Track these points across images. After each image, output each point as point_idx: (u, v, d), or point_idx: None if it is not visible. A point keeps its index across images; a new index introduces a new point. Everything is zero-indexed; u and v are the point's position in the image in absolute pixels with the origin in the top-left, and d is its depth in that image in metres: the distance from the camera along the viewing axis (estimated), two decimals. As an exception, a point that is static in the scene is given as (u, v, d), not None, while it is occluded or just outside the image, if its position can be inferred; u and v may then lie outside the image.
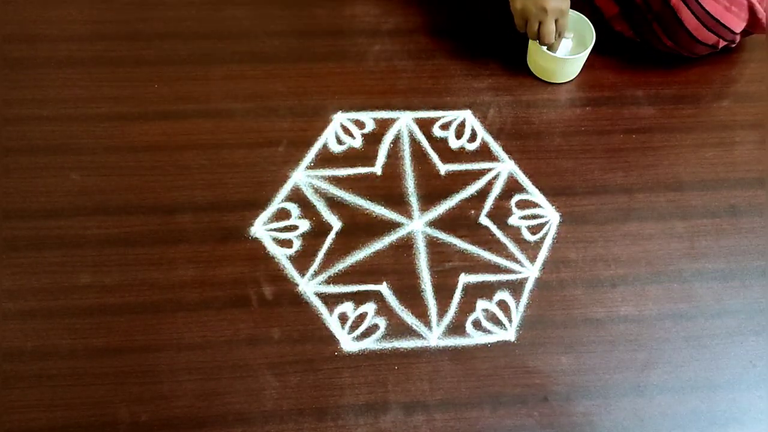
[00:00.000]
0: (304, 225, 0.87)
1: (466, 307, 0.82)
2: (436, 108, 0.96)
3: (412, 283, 0.83)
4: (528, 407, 0.77)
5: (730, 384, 0.79)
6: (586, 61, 0.97)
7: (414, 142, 0.93)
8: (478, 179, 0.91)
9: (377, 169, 0.91)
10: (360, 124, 0.94)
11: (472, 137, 0.94)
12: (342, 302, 0.82)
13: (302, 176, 0.90)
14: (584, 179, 0.91)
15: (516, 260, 0.85)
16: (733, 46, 0.97)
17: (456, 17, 1.05)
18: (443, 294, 0.83)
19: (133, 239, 0.84)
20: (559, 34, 0.92)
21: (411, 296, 0.82)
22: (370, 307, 0.82)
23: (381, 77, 0.99)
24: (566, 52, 0.96)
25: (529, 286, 0.84)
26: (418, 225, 0.87)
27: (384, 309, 0.82)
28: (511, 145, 0.93)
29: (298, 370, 0.78)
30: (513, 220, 0.88)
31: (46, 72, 0.97)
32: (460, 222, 0.87)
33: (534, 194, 0.90)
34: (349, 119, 0.95)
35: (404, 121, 0.95)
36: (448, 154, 0.92)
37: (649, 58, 0.99)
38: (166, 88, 0.96)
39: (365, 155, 0.92)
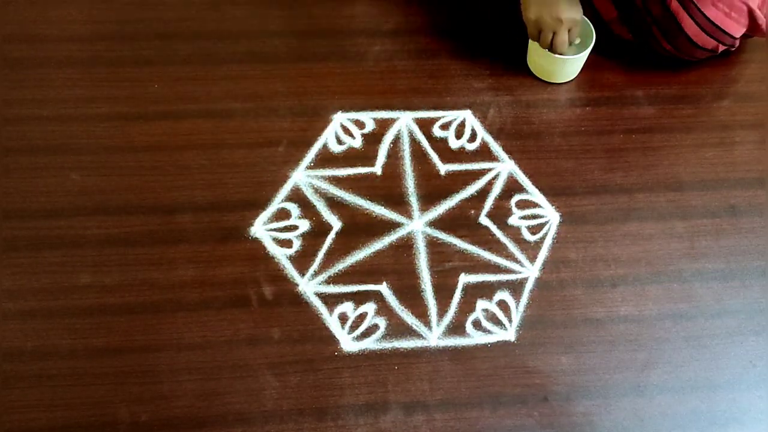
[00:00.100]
0: (304, 225, 0.87)
1: (466, 307, 0.82)
2: (436, 108, 0.96)
3: (412, 283, 0.83)
4: (528, 407, 0.77)
5: (730, 384, 0.79)
6: (586, 61, 0.97)
7: (414, 142, 0.93)
8: (478, 179, 0.91)
9: (377, 169, 0.91)
10: (360, 124, 0.94)
11: (472, 137, 0.94)
12: (342, 302, 0.82)
13: (302, 176, 0.90)
14: (584, 179, 0.91)
15: (516, 260, 0.85)
16: (733, 50, 0.97)
17: (456, 17, 1.05)
18: (443, 294, 0.83)
19: (133, 239, 0.84)
20: (571, 43, 0.92)
21: (411, 296, 0.82)
22: (370, 307, 0.82)
23: (381, 77, 0.99)
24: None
25: (529, 286, 0.84)
26: (418, 225, 0.87)
27: (384, 309, 0.82)
28: (511, 145, 0.93)
29: (298, 370, 0.78)
30: (513, 220, 0.88)
31: (46, 72, 0.97)
32: (460, 222, 0.87)
33: (534, 194, 0.90)
34: (349, 119, 0.95)
35: (404, 121, 0.95)
36: (448, 154, 0.92)
37: (649, 59, 0.99)
38: (166, 88, 0.96)
39: (365, 155, 0.92)
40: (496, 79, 0.99)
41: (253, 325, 0.80)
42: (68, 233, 0.84)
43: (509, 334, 0.81)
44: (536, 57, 0.96)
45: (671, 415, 0.77)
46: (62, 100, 0.94)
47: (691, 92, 0.99)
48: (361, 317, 0.81)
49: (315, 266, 0.84)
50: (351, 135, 0.93)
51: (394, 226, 0.87)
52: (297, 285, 0.83)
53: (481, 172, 0.91)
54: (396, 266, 0.84)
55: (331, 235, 0.86)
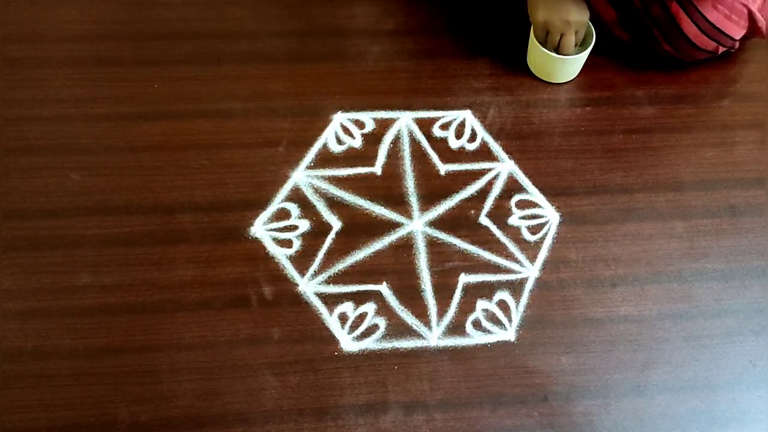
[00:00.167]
0: (304, 225, 0.87)
1: (466, 307, 0.82)
2: (436, 108, 0.96)
3: (412, 283, 0.83)
4: (528, 407, 0.77)
5: (730, 384, 0.79)
6: (586, 61, 0.97)
7: (414, 142, 0.93)
8: (478, 179, 0.91)
9: (377, 169, 0.91)
10: (360, 124, 0.94)
11: (472, 137, 0.94)
12: (342, 302, 0.82)
13: (302, 176, 0.90)
14: (584, 179, 0.91)
15: (516, 260, 0.85)
16: (733, 51, 0.97)
17: (456, 17, 1.05)
18: (443, 294, 0.83)
19: (133, 239, 0.84)
20: (577, 44, 0.92)
21: (411, 296, 0.82)
22: (370, 307, 0.82)
23: (381, 77, 0.99)
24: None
25: (529, 286, 0.84)
26: (418, 225, 0.87)
27: (384, 309, 0.82)
28: (511, 145, 0.93)
29: (298, 370, 0.78)
30: (513, 220, 0.88)
31: (46, 72, 0.97)
32: (460, 222, 0.87)
33: (534, 194, 0.90)
34: (349, 119, 0.95)
35: (404, 121, 0.95)
36: (448, 154, 0.92)
37: (649, 58, 0.99)
38: (166, 88, 0.96)
39: (365, 155, 0.92)
40: (496, 79, 0.99)
41: (253, 325, 0.80)
42: (68, 233, 0.84)
43: (509, 334, 0.81)
44: (536, 57, 0.96)
45: (671, 415, 0.77)
46: (62, 100, 0.94)
47: (691, 92, 0.99)
48: (361, 317, 0.81)
49: (315, 266, 0.84)
50: (351, 135, 0.93)
51: (394, 226, 0.87)
52: (297, 285, 0.83)
53: (481, 172, 0.91)
54: (396, 266, 0.84)
55: (331, 235, 0.86)
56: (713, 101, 0.99)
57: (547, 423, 0.76)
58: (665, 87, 0.99)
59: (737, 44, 0.95)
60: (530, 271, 0.85)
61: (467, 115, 0.96)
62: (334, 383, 0.77)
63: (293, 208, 0.88)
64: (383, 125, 0.95)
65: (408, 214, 0.88)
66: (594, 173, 0.92)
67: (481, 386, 0.77)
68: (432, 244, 0.86)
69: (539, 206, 0.89)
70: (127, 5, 1.04)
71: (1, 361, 0.77)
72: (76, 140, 0.91)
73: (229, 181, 0.89)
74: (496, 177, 0.91)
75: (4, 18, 1.01)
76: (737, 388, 0.79)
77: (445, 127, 0.95)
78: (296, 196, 0.89)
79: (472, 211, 0.88)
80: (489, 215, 0.88)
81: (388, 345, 0.80)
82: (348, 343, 0.79)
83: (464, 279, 0.84)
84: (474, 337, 0.80)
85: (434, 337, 0.80)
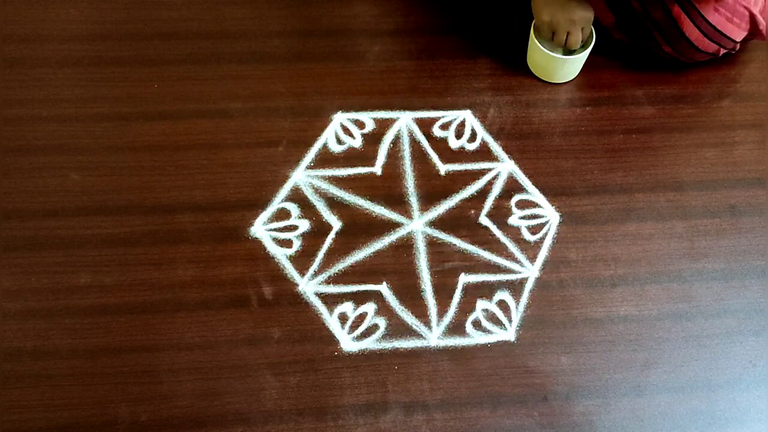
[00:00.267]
0: (304, 225, 0.87)
1: (466, 307, 0.82)
2: (436, 108, 0.96)
3: (412, 283, 0.83)
4: (528, 407, 0.77)
5: (730, 384, 0.79)
6: (586, 61, 0.97)
7: (414, 142, 0.93)
8: (478, 179, 0.91)
9: (377, 169, 0.91)
10: (360, 124, 0.94)
11: (472, 137, 0.94)
12: (342, 302, 0.82)
13: (302, 176, 0.90)
14: (584, 179, 0.91)
15: (516, 260, 0.85)
16: (734, 53, 0.97)
17: (456, 17, 1.05)
18: (443, 294, 0.83)
19: (132, 239, 0.84)
20: (584, 40, 0.93)
21: (411, 296, 0.82)
22: (370, 307, 0.82)
23: (381, 77, 0.99)
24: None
25: (529, 286, 0.84)
26: (418, 225, 0.87)
27: (384, 309, 0.82)
28: (511, 145, 0.93)
29: (298, 370, 0.78)
30: (513, 220, 0.88)
31: (46, 72, 0.97)
32: (460, 222, 0.87)
33: (534, 194, 0.90)
34: (349, 119, 0.95)
35: (404, 121, 0.95)
36: (448, 154, 0.92)
37: (649, 59, 0.99)
38: (166, 88, 0.96)
39: (365, 155, 0.92)
40: (496, 79, 0.99)
41: (253, 325, 0.80)
42: (68, 233, 0.84)
43: (509, 334, 0.81)
44: (536, 57, 0.96)
45: (671, 415, 0.77)
46: (62, 100, 0.94)
47: (691, 92, 0.99)
48: (361, 317, 0.81)
49: (315, 266, 0.84)
50: (351, 135, 0.93)
51: (394, 226, 0.87)
52: (297, 285, 0.83)
53: (481, 172, 0.91)
54: (396, 266, 0.84)
55: (331, 235, 0.86)
56: (713, 101, 0.99)
57: (547, 423, 0.76)
58: (665, 87, 0.99)
59: (738, 46, 0.95)
60: (530, 271, 0.85)
61: (467, 115, 0.96)
62: (334, 383, 0.77)
63: (293, 208, 0.88)
64: (383, 125, 0.95)
65: (408, 214, 0.88)
66: (594, 173, 0.92)
67: (481, 386, 0.77)
68: (432, 244, 0.86)
69: (539, 206, 0.89)
70: (127, 5, 1.04)
71: (1, 361, 0.77)
72: (76, 140, 0.91)
73: (229, 181, 0.89)
74: (496, 177, 0.91)
75: (4, 18, 1.01)
76: (737, 388, 0.79)
77: (445, 127, 0.95)
78: (296, 196, 0.89)
79: (472, 211, 0.88)
80: (489, 215, 0.88)
81: (388, 345, 0.80)
82: (348, 343, 0.79)
83: (464, 279, 0.84)
84: (474, 337, 0.80)
85: (434, 337, 0.80)
